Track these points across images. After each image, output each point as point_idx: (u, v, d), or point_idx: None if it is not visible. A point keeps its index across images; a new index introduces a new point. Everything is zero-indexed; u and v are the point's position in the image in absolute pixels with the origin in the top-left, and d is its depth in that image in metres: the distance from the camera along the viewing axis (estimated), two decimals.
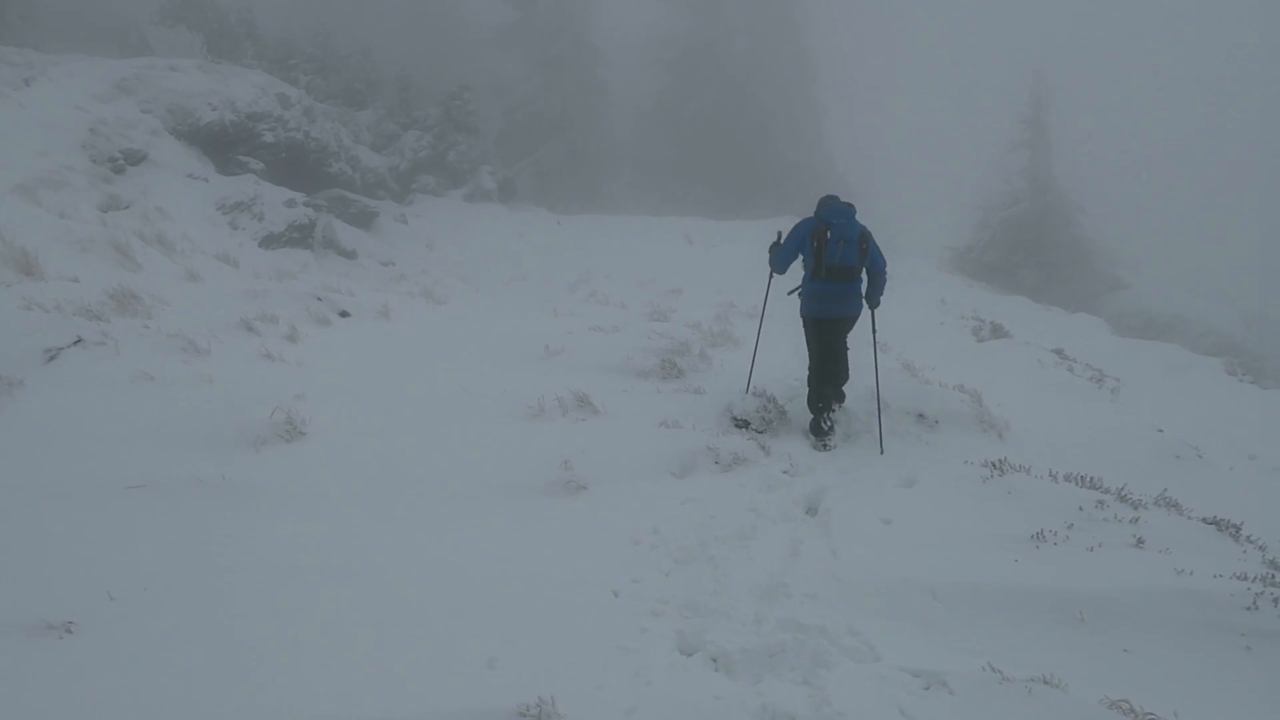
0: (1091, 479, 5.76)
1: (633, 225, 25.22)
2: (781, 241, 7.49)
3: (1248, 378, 15.80)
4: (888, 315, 13.10)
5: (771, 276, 7.85)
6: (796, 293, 7.53)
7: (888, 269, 7.40)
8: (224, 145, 18.11)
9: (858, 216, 7.22)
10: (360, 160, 23.47)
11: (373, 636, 3.66)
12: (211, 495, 4.75)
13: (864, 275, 7.28)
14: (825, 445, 7.22)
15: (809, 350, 7.53)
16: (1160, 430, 8.40)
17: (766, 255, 7.65)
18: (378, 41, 30.85)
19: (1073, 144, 33.82)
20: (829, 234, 7.08)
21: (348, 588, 4.03)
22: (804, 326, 7.53)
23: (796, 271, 7.47)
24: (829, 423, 7.34)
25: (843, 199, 7.36)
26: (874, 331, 7.46)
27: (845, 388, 7.69)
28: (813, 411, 7.45)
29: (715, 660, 3.79)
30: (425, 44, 35.42)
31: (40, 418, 5.53)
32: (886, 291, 7.40)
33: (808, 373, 7.57)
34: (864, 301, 7.36)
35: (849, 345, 7.58)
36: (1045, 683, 3.48)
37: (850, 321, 7.43)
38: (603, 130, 37.05)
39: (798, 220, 7.46)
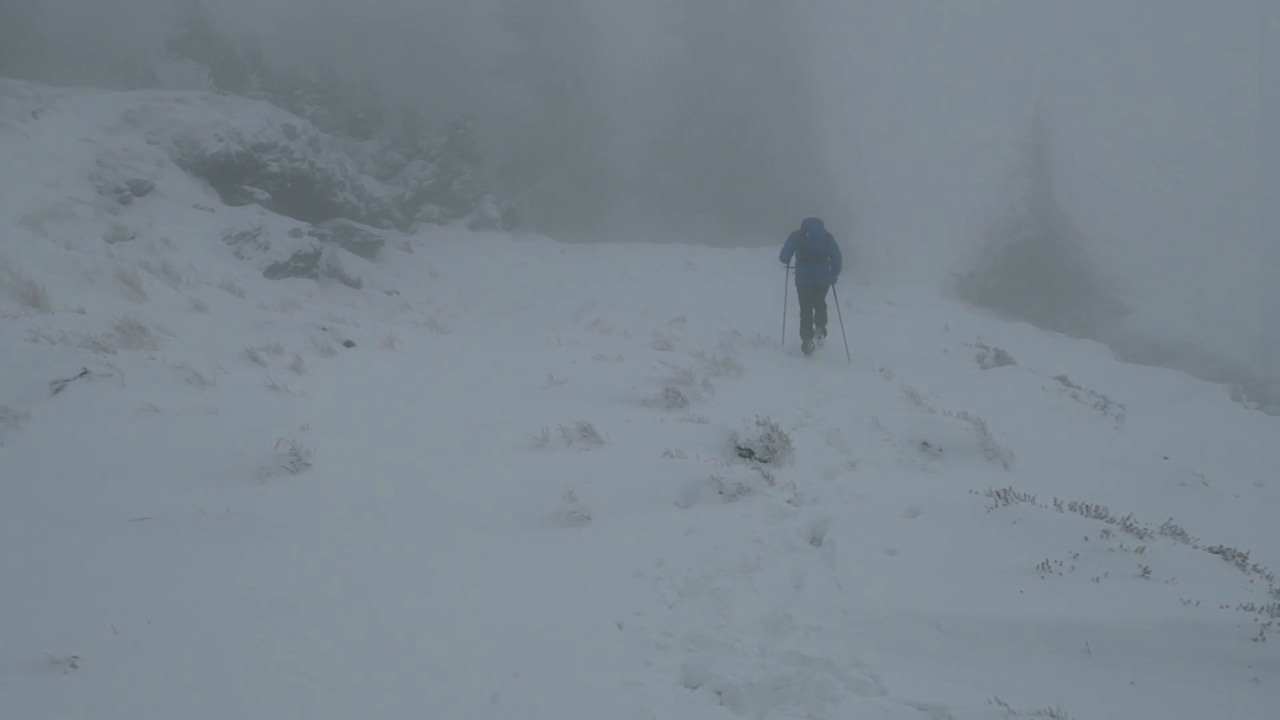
0: (1096, 508, 5.73)
1: (636, 253, 25.26)
2: (783, 246, 13.03)
3: (1253, 404, 15.75)
4: (891, 343, 13.84)
5: (787, 269, 13.17)
6: (791, 268, 13.03)
7: (842, 263, 12.88)
8: (230, 176, 18.20)
9: (828, 227, 12.76)
10: (365, 190, 23.55)
11: (376, 671, 3.66)
12: (216, 528, 4.75)
13: (829, 262, 12.57)
14: (809, 349, 12.70)
15: (800, 305, 12.83)
16: (1165, 457, 8.38)
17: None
18: (382, 72, 31.05)
19: (1075, 170, 33.85)
20: (807, 235, 12.42)
21: (351, 622, 4.02)
22: (797, 291, 12.82)
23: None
24: (812, 342, 12.71)
25: (818, 216, 13.01)
26: (835, 293, 13.21)
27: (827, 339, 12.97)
28: (802, 335, 12.80)
29: (720, 694, 3.77)
30: (429, 74, 35.66)
31: (45, 450, 5.54)
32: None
33: (799, 319, 12.85)
34: (829, 277, 12.63)
35: (827, 304, 12.85)
36: (1051, 716, 3.47)
37: (823, 288, 12.66)
38: (606, 158, 37.16)
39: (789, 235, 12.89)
